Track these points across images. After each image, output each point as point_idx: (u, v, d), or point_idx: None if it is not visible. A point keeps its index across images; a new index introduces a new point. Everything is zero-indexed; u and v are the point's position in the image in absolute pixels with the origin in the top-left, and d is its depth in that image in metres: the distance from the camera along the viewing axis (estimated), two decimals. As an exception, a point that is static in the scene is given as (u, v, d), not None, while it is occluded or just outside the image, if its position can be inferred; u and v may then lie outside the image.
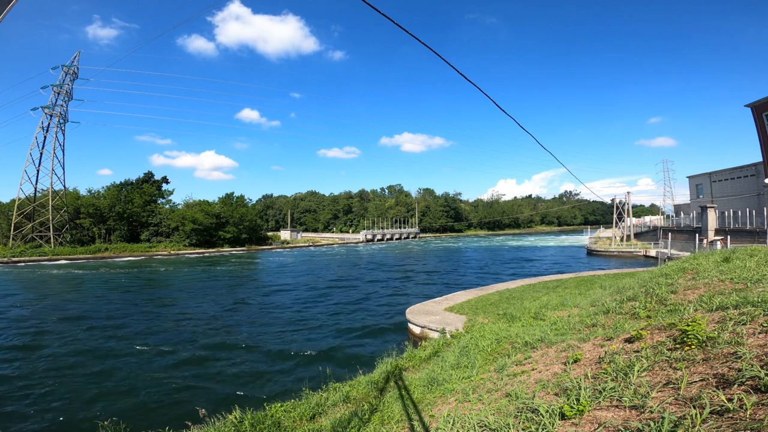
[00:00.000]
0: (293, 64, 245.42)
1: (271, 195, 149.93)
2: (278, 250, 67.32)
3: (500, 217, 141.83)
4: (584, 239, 70.21)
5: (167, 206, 67.81)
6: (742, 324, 3.84)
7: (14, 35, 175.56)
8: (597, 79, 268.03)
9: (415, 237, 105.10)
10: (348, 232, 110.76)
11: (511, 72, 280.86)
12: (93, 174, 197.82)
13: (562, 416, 3.13)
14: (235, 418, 6.20)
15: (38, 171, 54.88)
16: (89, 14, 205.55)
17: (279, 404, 6.68)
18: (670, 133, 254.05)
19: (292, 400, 6.99)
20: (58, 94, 56.54)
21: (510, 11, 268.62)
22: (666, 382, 3.14)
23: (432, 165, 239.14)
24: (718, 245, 25.33)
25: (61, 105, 56.93)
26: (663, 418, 2.51)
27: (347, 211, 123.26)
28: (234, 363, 12.32)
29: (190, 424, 6.56)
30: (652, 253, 41.15)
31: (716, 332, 3.76)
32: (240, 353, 13.25)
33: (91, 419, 8.38)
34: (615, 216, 59.53)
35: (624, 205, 57.44)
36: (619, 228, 58.38)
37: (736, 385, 2.71)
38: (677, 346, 3.79)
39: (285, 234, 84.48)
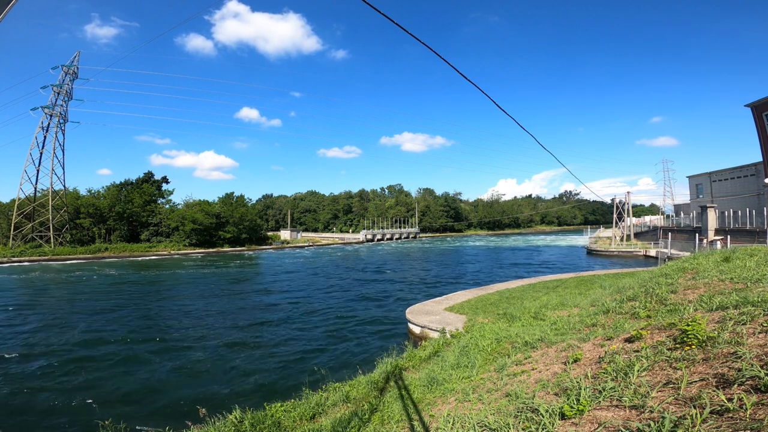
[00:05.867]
0: (294, 63, 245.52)
1: (271, 195, 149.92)
2: (278, 250, 67.30)
3: (500, 217, 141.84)
4: (584, 239, 70.23)
5: (167, 206, 67.73)
6: (742, 324, 3.84)
7: (14, 35, 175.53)
8: (598, 79, 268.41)
9: (415, 237, 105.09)
10: (348, 232, 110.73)
11: (511, 72, 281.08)
12: (93, 174, 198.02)
13: (562, 416, 3.13)
14: (235, 417, 6.20)
15: (38, 171, 54.86)
16: (88, 13, 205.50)
17: (279, 404, 6.68)
18: (672, 133, 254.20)
19: (292, 400, 6.99)
20: (58, 94, 56.51)
21: (511, 11, 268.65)
22: (666, 382, 3.14)
23: (432, 165, 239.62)
24: (718, 245, 25.32)
25: (61, 105, 56.91)
26: (663, 417, 2.51)
27: (347, 210, 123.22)
28: (234, 362, 12.32)
29: (190, 423, 6.55)
30: (652, 252, 41.15)
31: (716, 332, 3.76)
32: (240, 353, 13.24)
33: (90, 417, 8.37)
34: (615, 216, 59.52)
35: (624, 204, 57.41)
36: (619, 228, 58.38)
37: (736, 385, 2.70)
38: (677, 345, 3.79)
39: (285, 234, 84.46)
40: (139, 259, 51.77)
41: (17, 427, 8.61)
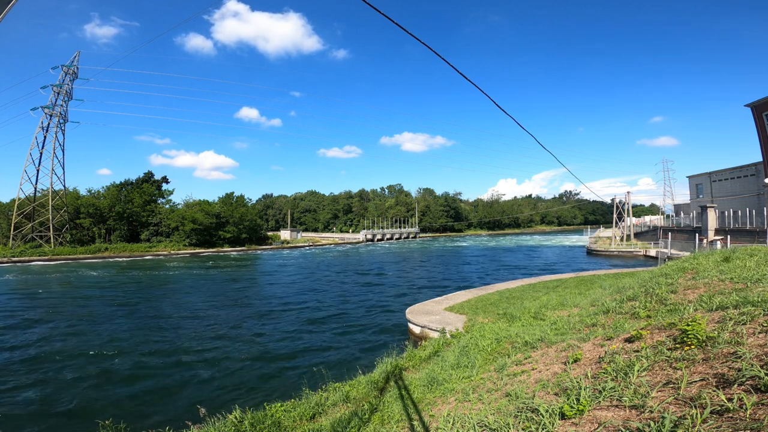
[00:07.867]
0: (294, 63, 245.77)
1: (271, 195, 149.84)
2: (278, 250, 67.28)
3: (500, 216, 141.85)
4: (584, 239, 70.29)
5: (167, 206, 67.72)
6: (742, 324, 3.84)
7: (14, 35, 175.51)
8: (598, 79, 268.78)
9: (415, 237, 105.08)
10: (348, 231, 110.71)
11: (511, 72, 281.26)
12: (93, 174, 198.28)
13: (562, 416, 3.13)
14: (235, 417, 6.19)
15: (38, 171, 54.83)
16: (88, 13, 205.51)
17: (279, 404, 6.68)
18: (673, 133, 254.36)
19: (292, 400, 6.99)
20: (58, 94, 56.48)
21: (511, 11, 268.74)
22: (666, 382, 3.14)
23: (432, 165, 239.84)
24: (718, 245, 25.32)
25: (61, 105, 56.88)
26: (663, 417, 2.51)
27: (347, 210, 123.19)
28: (233, 362, 12.32)
29: (190, 423, 6.54)
30: (652, 252, 41.14)
31: (716, 332, 3.76)
32: (239, 353, 13.24)
33: (89, 417, 8.37)
34: (615, 216, 59.50)
35: (624, 204, 57.40)
36: (619, 228, 58.37)
37: (736, 385, 2.70)
38: (677, 345, 3.79)
39: (285, 234, 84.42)
40: (139, 258, 51.75)
41: (16, 427, 8.61)
